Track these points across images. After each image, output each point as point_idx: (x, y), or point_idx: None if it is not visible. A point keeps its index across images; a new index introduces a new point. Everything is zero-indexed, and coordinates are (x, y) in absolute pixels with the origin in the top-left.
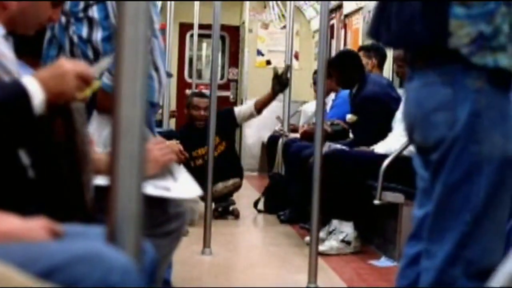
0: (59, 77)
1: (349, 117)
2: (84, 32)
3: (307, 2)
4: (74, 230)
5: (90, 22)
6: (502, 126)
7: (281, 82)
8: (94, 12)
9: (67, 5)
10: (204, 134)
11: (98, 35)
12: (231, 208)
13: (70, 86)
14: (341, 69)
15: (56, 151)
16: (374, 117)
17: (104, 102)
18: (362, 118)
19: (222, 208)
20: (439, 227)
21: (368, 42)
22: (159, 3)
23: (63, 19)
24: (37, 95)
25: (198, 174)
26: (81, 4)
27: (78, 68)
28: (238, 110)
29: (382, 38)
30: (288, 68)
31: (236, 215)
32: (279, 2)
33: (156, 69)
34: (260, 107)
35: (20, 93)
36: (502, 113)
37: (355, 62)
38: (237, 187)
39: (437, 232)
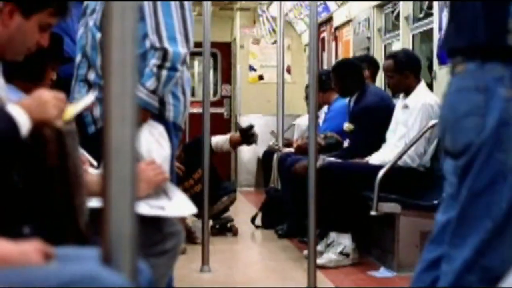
0: (41, 106)
1: (347, 125)
2: None
3: (297, 16)
4: (68, 253)
5: None
6: None
7: (247, 139)
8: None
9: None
10: None
11: None
12: (229, 225)
13: (50, 114)
14: (341, 77)
15: (48, 175)
16: (372, 127)
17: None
18: (360, 128)
19: (220, 225)
20: (461, 232)
21: (361, 53)
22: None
23: (99, 35)
24: (24, 124)
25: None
26: None
27: (56, 97)
28: (215, 141)
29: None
30: (252, 127)
31: (234, 231)
32: (269, 16)
33: (184, 93)
34: (234, 145)
35: (10, 123)
36: None
37: (356, 71)
38: (232, 201)
39: (459, 237)
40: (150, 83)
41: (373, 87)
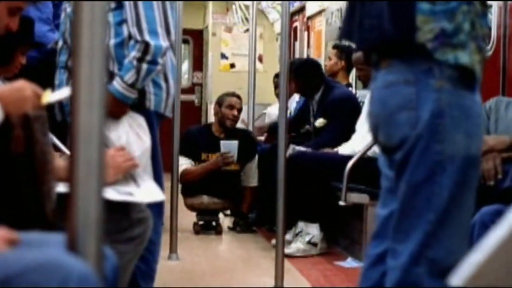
0: (20, 102)
1: (320, 121)
2: None
3: (270, 4)
4: (33, 238)
5: None
6: (464, 125)
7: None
8: (110, 16)
9: None
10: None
11: (111, 40)
12: (214, 223)
13: (27, 108)
14: (301, 79)
15: (14, 161)
16: (345, 117)
17: (112, 108)
18: (333, 119)
19: (204, 221)
20: (403, 226)
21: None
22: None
23: None
24: None
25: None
26: None
27: (36, 93)
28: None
29: (354, 37)
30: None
31: (218, 230)
32: (242, 5)
33: (166, 80)
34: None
35: None
36: (465, 112)
37: (316, 71)
38: (225, 207)
39: (402, 232)
40: (129, 76)
41: (338, 85)
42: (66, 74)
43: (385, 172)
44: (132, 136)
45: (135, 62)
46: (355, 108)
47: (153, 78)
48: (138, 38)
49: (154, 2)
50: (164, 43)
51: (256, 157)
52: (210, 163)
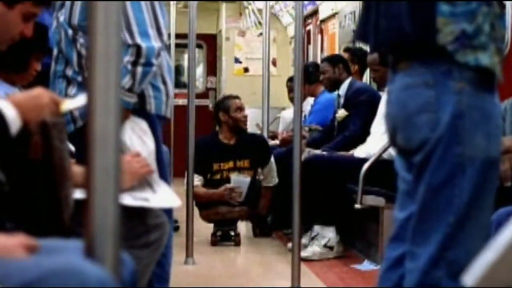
0: (37, 109)
1: (341, 112)
2: None
3: (283, 8)
4: (51, 245)
5: None
6: (484, 127)
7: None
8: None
9: (75, 19)
10: (233, 148)
11: None
12: (232, 233)
13: (45, 115)
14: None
15: (31, 168)
16: (365, 107)
17: None
18: (354, 109)
19: (222, 232)
20: (422, 228)
21: (348, 45)
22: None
23: (70, 32)
24: (14, 123)
25: (211, 187)
26: None
27: (54, 101)
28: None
29: (370, 39)
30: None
31: (236, 241)
32: (255, 9)
33: (164, 82)
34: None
35: None
36: (485, 114)
37: (346, 65)
38: (243, 216)
39: (421, 234)
40: (125, 81)
41: (358, 82)
42: (64, 83)
43: (402, 175)
44: (135, 141)
45: (129, 67)
46: (375, 99)
47: (151, 81)
48: (130, 42)
49: (143, 3)
50: (156, 43)
51: (272, 158)
52: (215, 193)
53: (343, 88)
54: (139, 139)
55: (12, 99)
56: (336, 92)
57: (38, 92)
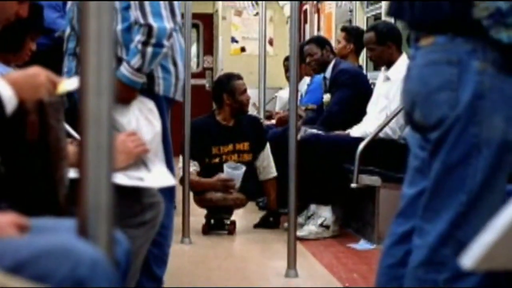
0: (34, 88)
1: (326, 96)
2: None
3: None
4: (45, 224)
5: None
6: (504, 109)
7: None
8: (116, 2)
9: None
10: (232, 130)
11: (118, 26)
12: (227, 221)
13: (41, 95)
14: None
15: (27, 147)
16: (345, 87)
17: (120, 93)
18: (336, 90)
19: (215, 220)
20: (434, 205)
21: (345, 24)
22: None
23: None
24: (10, 102)
25: (209, 172)
26: None
27: (51, 79)
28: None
29: (405, 15)
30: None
31: (230, 230)
32: None
33: (175, 64)
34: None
35: None
36: (506, 97)
37: (330, 46)
38: (238, 205)
39: (432, 211)
40: (135, 61)
41: (342, 63)
42: (75, 61)
43: (414, 151)
44: (142, 121)
45: (140, 46)
46: (359, 80)
47: (161, 62)
48: (142, 21)
49: None
50: (168, 24)
51: (268, 145)
52: (207, 183)
53: (329, 70)
54: (146, 119)
55: (8, 77)
56: (322, 75)
57: (35, 71)
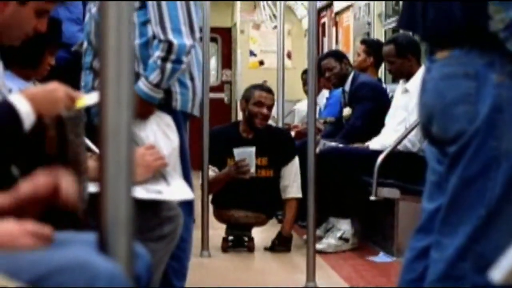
0: (52, 104)
1: (346, 110)
2: None
3: (297, 1)
4: (63, 237)
5: None
6: None
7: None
8: (134, 17)
9: None
10: (250, 143)
11: (136, 41)
12: (246, 238)
13: (59, 110)
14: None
15: (46, 162)
16: (366, 101)
17: (138, 108)
18: (356, 104)
19: (234, 237)
20: (451, 219)
21: (364, 37)
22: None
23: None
24: (28, 117)
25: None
26: None
27: (69, 95)
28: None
29: (418, 27)
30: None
31: (250, 247)
32: (269, 2)
33: (192, 79)
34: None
35: (12, 117)
36: None
37: (347, 59)
38: (259, 223)
39: (450, 225)
40: (154, 77)
41: (361, 76)
42: (91, 75)
43: (432, 166)
44: (160, 136)
45: (159, 62)
46: (379, 93)
47: (178, 77)
48: (162, 37)
49: (178, 1)
50: (188, 41)
51: (295, 162)
52: (222, 173)
53: (347, 83)
54: (163, 134)
55: (27, 93)
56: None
57: (54, 86)
